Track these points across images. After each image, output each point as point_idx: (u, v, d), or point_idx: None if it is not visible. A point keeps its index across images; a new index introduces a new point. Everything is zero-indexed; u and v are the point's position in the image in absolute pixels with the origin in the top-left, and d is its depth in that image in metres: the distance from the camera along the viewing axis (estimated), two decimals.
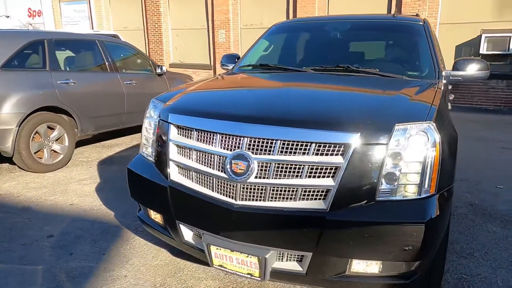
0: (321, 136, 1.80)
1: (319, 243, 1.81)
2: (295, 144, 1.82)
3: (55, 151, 4.67)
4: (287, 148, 1.83)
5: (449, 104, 2.79)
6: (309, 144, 1.81)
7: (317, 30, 3.44)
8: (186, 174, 2.12)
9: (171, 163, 2.16)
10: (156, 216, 2.38)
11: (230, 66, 3.65)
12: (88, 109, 4.98)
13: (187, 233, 2.20)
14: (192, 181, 2.09)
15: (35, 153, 4.43)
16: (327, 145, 1.79)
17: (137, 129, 6.86)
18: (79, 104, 4.86)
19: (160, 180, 2.20)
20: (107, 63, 5.41)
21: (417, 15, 3.68)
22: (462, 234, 3.11)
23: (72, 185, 4.16)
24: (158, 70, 6.23)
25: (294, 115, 1.94)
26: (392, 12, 10.05)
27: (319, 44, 3.34)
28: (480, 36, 9.20)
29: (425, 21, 3.31)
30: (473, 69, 2.93)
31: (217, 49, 12.90)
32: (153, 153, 2.33)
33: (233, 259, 1.99)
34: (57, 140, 4.66)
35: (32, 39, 4.56)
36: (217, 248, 2.00)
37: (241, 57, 3.64)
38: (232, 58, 3.71)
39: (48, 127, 4.55)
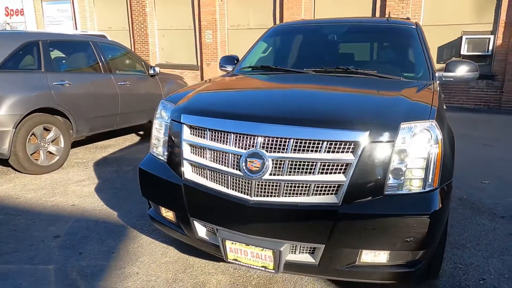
0: (333, 135, 1.91)
1: (331, 236, 1.92)
2: (308, 142, 1.93)
3: (51, 153, 4.66)
4: (300, 146, 1.94)
5: (444, 104, 2.95)
6: (321, 142, 1.92)
7: (315, 33, 3.57)
8: (201, 172, 2.20)
9: (185, 162, 2.23)
10: (168, 214, 2.45)
11: (229, 68, 3.74)
12: (83, 110, 4.98)
13: (201, 230, 2.28)
14: (207, 179, 2.17)
15: (31, 154, 4.41)
16: (338, 143, 1.91)
17: (130, 130, 6.87)
18: (74, 105, 4.86)
19: (174, 178, 2.27)
20: (101, 64, 5.42)
21: (408, 18, 3.85)
22: (454, 227, 3.29)
23: (71, 186, 4.17)
24: (151, 71, 6.25)
25: (306, 114, 2.05)
26: (377, 13, 10.31)
27: (318, 46, 3.46)
28: (461, 37, 9.54)
29: (417, 24, 3.48)
30: (463, 70, 3.11)
31: (204, 50, 12.94)
32: (165, 153, 2.40)
33: (247, 253, 2.09)
34: (53, 141, 4.65)
35: (27, 41, 4.54)
36: (232, 243, 2.10)
37: (240, 59, 3.73)
38: (231, 60, 3.79)
39: (44, 129, 4.54)
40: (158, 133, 2.49)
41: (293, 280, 2.51)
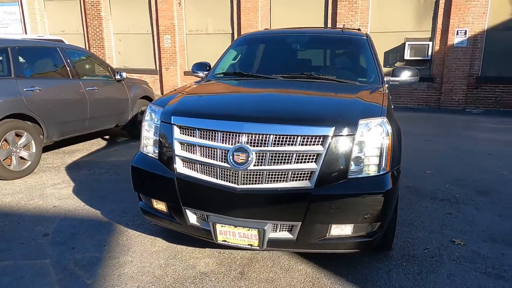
0: (306, 130, 2.32)
1: (306, 214, 2.33)
2: (285, 137, 2.33)
3: (22, 158, 4.71)
4: (279, 141, 2.33)
5: (391, 104, 3.46)
6: (296, 137, 2.32)
7: (280, 42, 4.00)
8: (192, 166, 2.52)
9: (177, 158, 2.55)
10: (159, 206, 2.74)
11: (201, 74, 4.06)
12: (53, 116, 5.06)
13: (192, 217, 2.60)
14: (198, 172, 2.50)
15: (3, 160, 4.45)
16: (310, 137, 2.32)
17: (96, 135, 6.94)
18: (45, 110, 4.93)
19: (166, 173, 2.57)
20: (69, 70, 5.50)
21: (359, 29, 4.39)
22: (403, 210, 3.83)
23: (48, 189, 4.27)
24: (117, 76, 6.38)
25: (283, 114, 2.46)
26: (329, 20, 11.00)
27: (284, 54, 3.89)
28: (404, 43, 10.46)
29: (367, 35, 4.01)
30: (406, 75, 3.67)
31: (162, 54, 13.04)
32: (156, 151, 2.69)
33: (235, 233, 2.44)
34: (24, 147, 4.71)
35: None
36: (222, 226, 2.44)
37: (212, 65, 4.07)
38: (203, 66, 4.12)
39: (16, 134, 4.59)
40: (148, 133, 2.77)
41: (271, 259, 2.89)
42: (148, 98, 7.14)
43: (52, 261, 2.80)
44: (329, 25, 10.96)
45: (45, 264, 2.77)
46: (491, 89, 10.11)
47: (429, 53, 10.32)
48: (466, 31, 9.89)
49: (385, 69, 9.96)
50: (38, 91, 4.88)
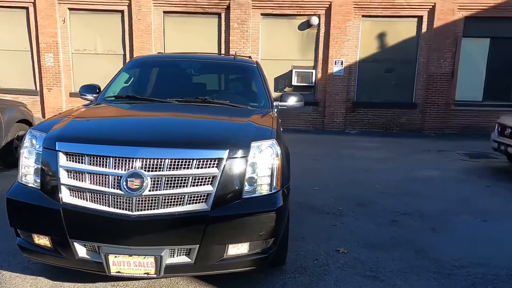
0: (201, 154, 2.38)
1: (204, 237, 2.36)
2: (181, 161, 2.34)
3: None
4: (175, 165, 2.33)
5: (281, 127, 3.72)
6: (192, 160, 2.35)
7: (174, 66, 4.03)
8: (80, 195, 2.36)
9: (62, 187, 2.36)
10: (41, 241, 2.48)
11: (89, 96, 3.85)
12: None
13: (81, 250, 2.41)
14: (87, 201, 2.35)
15: None
16: (206, 160, 2.38)
17: None
18: None
19: (50, 204, 2.37)
20: None
21: (250, 57, 4.67)
22: (294, 224, 4.08)
23: None
24: None
25: (178, 138, 2.48)
26: (222, 46, 11.40)
27: (178, 78, 3.93)
28: (292, 70, 11.35)
29: (257, 62, 4.29)
30: (293, 100, 4.01)
31: (44, 74, 11.93)
32: (38, 180, 2.46)
33: (130, 263, 2.34)
34: None
35: None
36: (115, 256, 2.32)
37: (102, 88, 3.89)
38: (92, 89, 3.91)
39: None
40: (28, 161, 2.52)
41: (169, 285, 2.82)
42: (27, 122, 6.44)
43: None
44: (223, 51, 11.35)
45: None
46: (365, 113, 11.52)
47: (313, 80, 11.37)
48: (342, 61, 11.18)
49: (276, 94, 10.63)
50: None
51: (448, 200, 5.18)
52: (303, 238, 3.78)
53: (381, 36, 11.34)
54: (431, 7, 10.87)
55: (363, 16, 11.13)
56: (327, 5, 10.98)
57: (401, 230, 4.07)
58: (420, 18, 11.09)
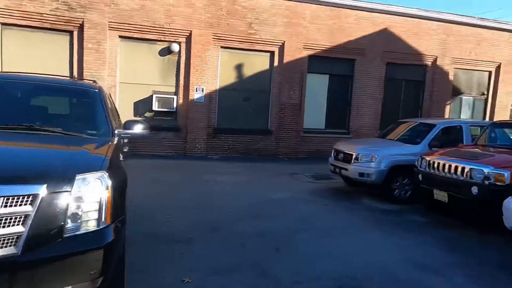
0: (9, 191, 2.09)
1: (13, 284, 2.04)
2: None
3: None
4: None
5: (121, 155, 3.54)
6: None
7: (1, 88, 3.50)
8: None
9: None
10: None
11: None
12: None
13: None
14: None
15: None
16: (16, 197, 2.10)
17: None
18: None
19: None
20: None
21: (94, 81, 4.38)
22: (140, 256, 3.88)
23: None
24: None
25: None
26: (75, 67, 10.51)
27: (3, 102, 3.41)
28: (152, 95, 11.13)
29: (100, 88, 4.02)
30: (139, 128, 3.87)
31: None
32: None
33: None
34: None
35: None
36: None
37: None
38: None
39: None
40: None
41: None
42: None
43: None
44: (75, 73, 10.44)
45: None
46: (225, 138, 11.95)
47: (175, 106, 11.34)
48: (203, 88, 11.47)
49: (134, 118, 10.23)
50: None
51: (293, 219, 5.66)
52: (146, 271, 3.62)
53: (239, 67, 12.07)
54: (281, 44, 12.07)
55: (222, 47, 11.69)
56: (188, 34, 11.21)
57: (248, 253, 4.26)
58: (272, 53, 12.20)
